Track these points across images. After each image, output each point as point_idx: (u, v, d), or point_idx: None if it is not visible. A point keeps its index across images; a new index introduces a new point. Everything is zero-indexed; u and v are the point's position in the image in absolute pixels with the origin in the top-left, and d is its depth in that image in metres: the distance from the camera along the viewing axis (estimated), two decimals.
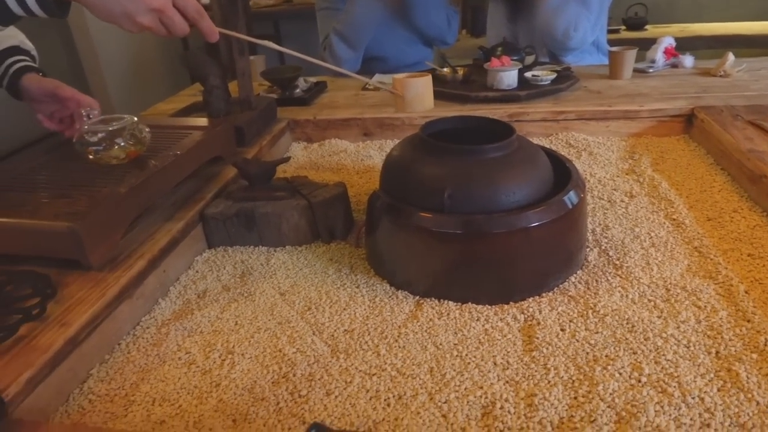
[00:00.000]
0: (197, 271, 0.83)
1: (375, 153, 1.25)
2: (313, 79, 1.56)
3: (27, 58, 1.05)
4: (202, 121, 1.08)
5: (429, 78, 0.89)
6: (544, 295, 0.71)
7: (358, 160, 1.22)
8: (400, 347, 0.64)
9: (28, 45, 1.08)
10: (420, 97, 0.89)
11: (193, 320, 0.71)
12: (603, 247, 0.81)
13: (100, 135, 0.85)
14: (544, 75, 1.36)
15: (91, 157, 0.86)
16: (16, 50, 1.05)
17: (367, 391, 0.58)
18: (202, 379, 0.61)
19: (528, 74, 1.37)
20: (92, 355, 0.63)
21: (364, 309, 0.71)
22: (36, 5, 0.65)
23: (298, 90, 1.47)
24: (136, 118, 0.89)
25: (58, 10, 0.67)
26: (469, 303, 0.70)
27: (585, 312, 0.67)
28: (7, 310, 0.62)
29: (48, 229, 0.68)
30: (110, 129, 0.86)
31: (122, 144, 0.86)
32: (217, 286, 0.79)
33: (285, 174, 1.08)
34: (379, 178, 1.10)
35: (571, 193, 0.72)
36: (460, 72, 1.45)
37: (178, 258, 0.82)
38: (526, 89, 1.32)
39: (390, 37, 1.83)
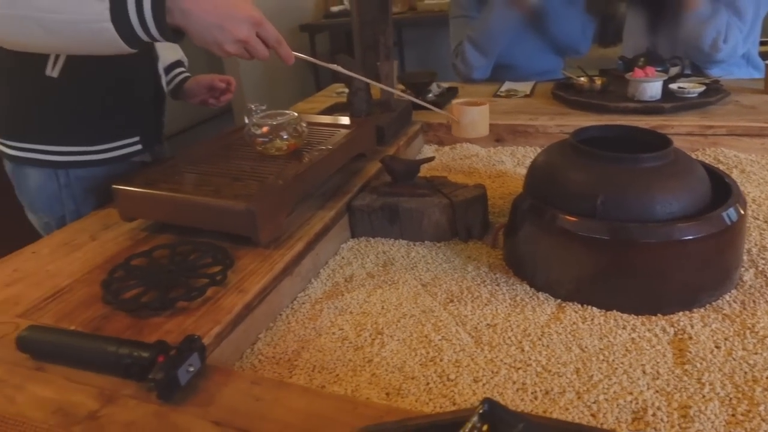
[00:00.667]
0: (343, 257, 0.90)
1: (507, 158, 1.26)
2: (445, 85, 1.60)
3: (185, 69, 1.33)
4: (348, 120, 1.16)
5: (485, 107, 0.93)
6: (695, 310, 0.69)
7: (490, 165, 1.24)
8: (544, 346, 0.65)
9: (182, 53, 1.34)
10: (474, 123, 0.96)
11: (343, 301, 0.77)
12: (760, 269, 0.77)
13: (266, 128, 0.94)
14: (692, 87, 1.30)
15: (258, 147, 0.95)
16: (179, 63, 1.31)
17: (514, 382, 0.60)
18: (355, 354, 0.67)
19: (673, 86, 1.32)
20: (261, 321, 0.71)
21: (506, 306, 0.73)
22: (157, 32, 0.74)
23: (431, 94, 1.52)
24: (296, 114, 0.97)
25: (173, 36, 0.76)
26: (614, 311, 0.70)
27: (742, 332, 0.65)
28: (196, 274, 0.72)
29: (229, 207, 0.77)
30: (275, 123, 0.95)
31: (285, 137, 0.95)
32: (362, 273, 0.85)
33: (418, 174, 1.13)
34: (511, 182, 1.12)
35: (731, 209, 0.70)
36: (598, 81, 1.42)
37: (327, 243, 0.89)
38: (671, 101, 1.27)
39: (521, 46, 1.83)
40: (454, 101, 0.95)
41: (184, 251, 0.77)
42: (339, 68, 1.01)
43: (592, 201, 0.69)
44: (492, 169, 1.21)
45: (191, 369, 0.53)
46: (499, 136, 1.33)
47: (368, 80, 1.07)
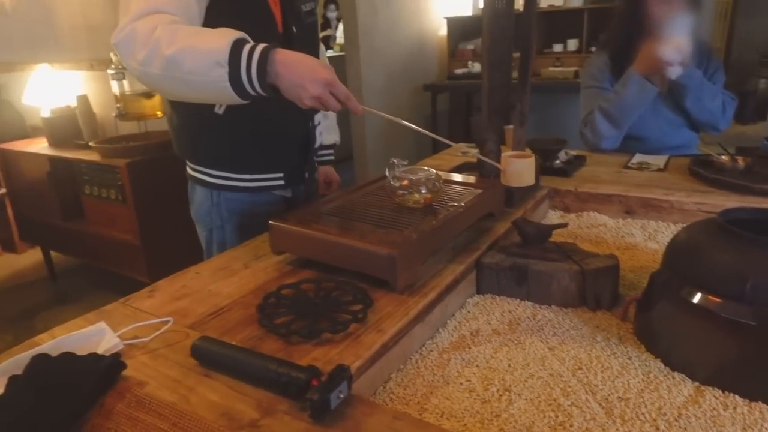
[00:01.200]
0: (469, 311, 0.93)
1: (637, 231, 1.24)
2: (573, 152, 1.61)
3: (333, 153, 1.58)
4: (479, 180, 1.21)
5: (530, 160, 1.02)
6: None
7: (619, 237, 1.22)
8: (680, 428, 0.63)
9: (337, 137, 1.57)
10: (519, 174, 1.04)
11: (470, 353, 0.80)
12: None
13: (406, 181, 1.02)
14: None
15: (397, 198, 1.03)
16: (332, 147, 1.55)
17: None
18: (482, 407, 0.69)
19: None
20: (394, 362, 0.76)
21: (638, 381, 0.72)
22: (260, 90, 0.94)
23: (558, 161, 1.54)
24: (435, 171, 1.04)
25: (271, 92, 0.96)
26: (760, 402, 0.66)
27: None
28: (339, 309, 0.78)
29: (373, 252, 0.83)
30: (415, 178, 1.02)
31: (423, 191, 1.01)
32: (488, 329, 0.87)
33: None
34: (642, 256, 1.10)
35: None
36: (741, 161, 1.37)
37: (455, 296, 0.92)
38: None
39: (654, 119, 1.80)
40: (504, 153, 1.08)
41: (327, 287, 0.85)
42: (407, 123, 1.12)
43: (740, 284, 0.68)
44: (621, 241, 1.20)
45: (341, 395, 0.58)
46: (629, 208, 1.31)
47: (445, 140, 1.12)
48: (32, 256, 3.47)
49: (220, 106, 1.17)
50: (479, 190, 1.12)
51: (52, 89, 3.00)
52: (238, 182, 1.27)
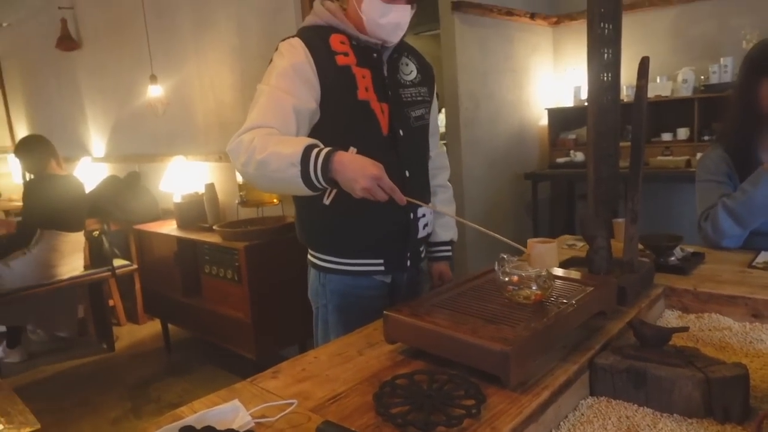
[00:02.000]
0: (583, 414, 0.90)
1: (767, 338, 1.15)
2: (690, 249, 1.55)
3: (450, 250, 1.62)
4: (589, 277, 1.20)
5: (553, 245, 1.09)
6: None
7: (746, 342, 1.14)
8: None
9: (454, 233, 1.62)
10: (541, 257, 1.10)
11: None
12: None
13: (517, 278, 1.04)
14: None
15: (507, 294, 1.05)
16: (448, 243, 1.60)
17: None
18: None
19: None
20: None
21: None
22: (325, 185, 1.12)
23: (673, 258, 1.49)
24: (545, 269, 1.05)
25: (334, 185, 1.13)
26: None
27: None
28: (452, 403, 0.80)
29: (486, 347, 0.85)
30: (524, 274, 1.04)
31: (534, 288, 1.03)
32: None
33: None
34: None
35: None
36: None
37: (568, 397, 0.91)
38: None
39: None
40: (530, 239, 1.14)
41: (441, 380, 0.87)
42: (436, 208, 1.35)
43: None
44: (749, 347, 1.12)
45: None
46: (757, 311, 1.23)
47: (489, 232, 1.12)
48: (152, 327, 3.77)
49: (328, 197, 1.31)
50: (590, 288, 1.11)
51: (184, 178, 3.37)
52: (341, 266, 1.39)
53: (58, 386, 3.10)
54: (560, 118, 4.46)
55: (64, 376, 3.23)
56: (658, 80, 3.92)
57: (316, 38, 1.30)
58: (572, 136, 4.46)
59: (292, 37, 1.32)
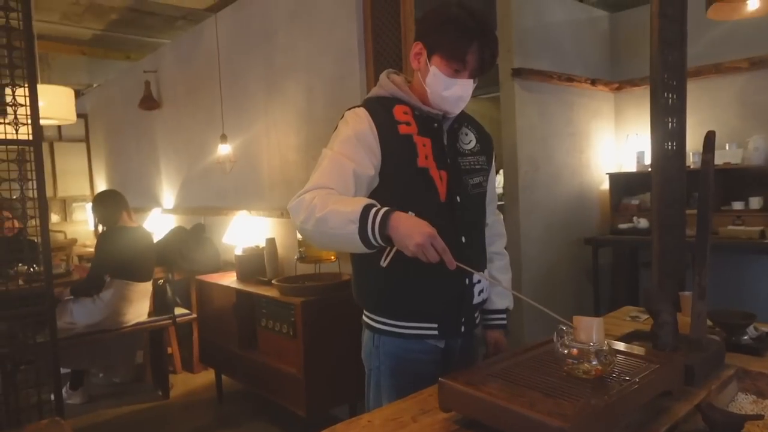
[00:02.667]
0: None
1: None
2: (765, 328, 1.46)
3: (505, 318, 1.60)
4: (654, 354, 1.15)
5: (599, 320, 1.04)
6: None
7: None
8: None
9: (510, 302, 1.60)
10: (588, 333, 1.04)
11: None
12: None
13: (576, 350, 1.01)
14: None
15: (566, 367, 1.02)
16: (503, 311, 1.60)
17: None
18: None
19: None
20: None
21: None
22: (381, 242, 1.15)
23: (746, 337, 1.41)
24: (606, 342, 1.02)
25: (389, 243, 1.16)
26: None
27: None
28: None
29: (543, 422, 0.83)
30: (586, 348, 1.01)
31: (594, 362, 1.00)
32: None
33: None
34: None
35: None
36: None
37: None
38: None
39: None
40: (576, 315, 1.09)
41: None
42: (485, 276, 1.32)
43: None
44: None
45: None
46: None
47: (565, 321, 1.10)
48: (206, 377, 3.83)
49: (385, 259, 1.29)
50: (655, 365, 1.06)
51: (246, 231, 3.50)
52: (395, 328, 1.39)
53: (115, 430, 3.18)
54: (622, 183, 4.37)
55: (120, 420, 3.30)
56: (726, 147, 3.80)
57: (380, 108, 1.37)
58: (635, 201, 4.35)
59: (358, 107, 1.39)
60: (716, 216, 3.82)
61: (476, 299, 1.44)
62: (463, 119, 1.50)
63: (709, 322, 1.51)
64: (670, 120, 1.33)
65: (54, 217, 7.38)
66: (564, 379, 1.00)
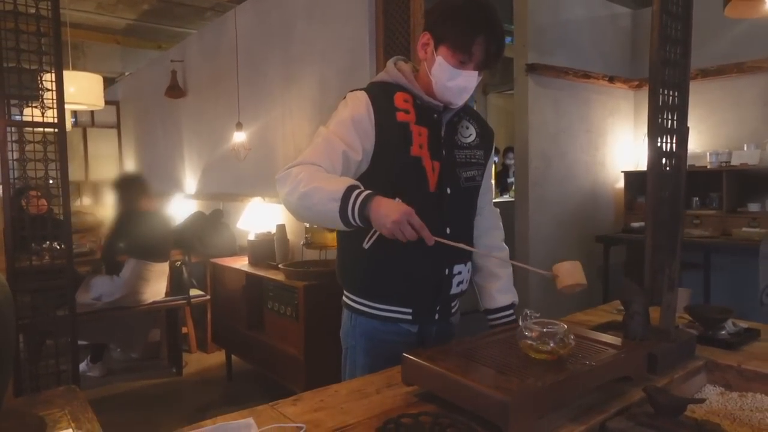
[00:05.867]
0: None
1: None
2: (743, 324, 1.48)
3: (512, 313, 1.58)
4: (618, 341, 1.19)
5: (576, 262, 1.17)
6: None
7: None
8: None
9: (515, 297, 1.60)
10: (570, 274, 1.19)
11: None
12: None
13: (536, 333, 1.06)
14: None
15: (526, 348, 1.07)
16: (510, 307, 1.58)
17: None
18: None
19: None
20: None
21: None
22: (359, 222, 1.20)
23: (724, 332, 1.43)
24: (565, 326, 1.07)
25: (367, 224, 1.21)
26: None
27: None
28: None
29: (487, 395, 0.88)
30: (545, 330, 1.06)
31: (552, 345, 1.04)
32: None
33: (694, 414, 1.06)
34: None
35: None
36: None
37: None
38: None
39: None
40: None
41: (443, 423, 0.90)
42: (466, 247, 1.32)
43: None
44: None
45: None
46: None
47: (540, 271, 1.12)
48: (218, 357, 3.96)
49: (368, 240, 1.34)
50: (616, 351, 1.10)
51: (260, 217, 3.60)
52: (371, 309, 1.43)
53: (128, 403, 3.32)
54: (638, 182, 4.34)
55: (134, 394, 3.45)
56: (745, 148, 3.75)
57: (381, 94, 1.39)
58: None
59: (360, 90, 1.40)
60: (731, 217, 3.77)
61: (454, 290, 1.45)
62: (465, 113, 1.50)
63: (689, 318, 1.54)
64: (668, 117, 1.33)
65: (86, 200, 7.65)
66: (524, 359, 1.05)
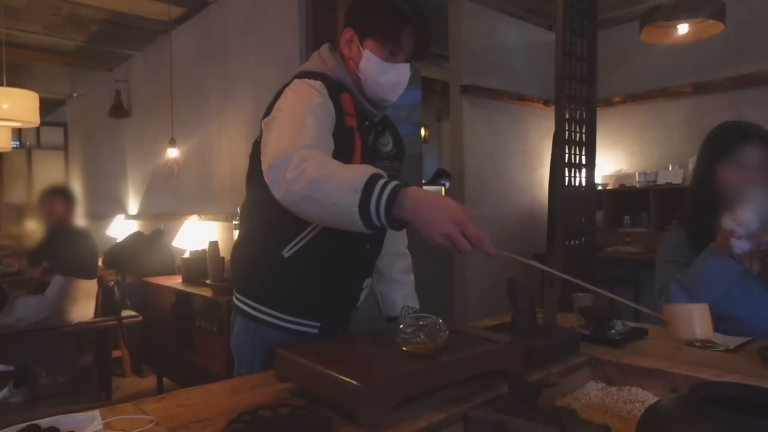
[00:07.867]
0: None
1: None
2: (632, 324, 1.53)
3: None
4: (498, 337, 1.21)
5: (703, 306, 0.97)
6: None
7: None
8: None
9: (416, 304, 1.55)
10: (689, 322, 1.01)
11: None
12: None
13: (409, 327, 1.07)
14: None
15: (398, 341, 1.08)
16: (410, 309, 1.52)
17: None
18: None
19: None
20: None
21: None
22: (385, 222, 0.98)
23: (613, 331, 1.47)
24: (439, 320, 1.09)
25: (398, 226, 1.00)
26: None
27: None
28: None
29: (341, 383, 0.89)
30: (416, 324, 1.07)
31: (421, 338, 1.06)
32: None
33: (572, 406, 1.09)
34: None
35: None
36: None
37: None
38: None
39: (745, 299, 1.66)
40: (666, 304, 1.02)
41: (300, 414, 0.90)
42: (538, 264, 1.13)
43: None
44: None
45: None
46: (674, 386, 1.20)
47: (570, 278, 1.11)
48: (152, 381, 3.83)
49: (290, 249, 1.26)
50: (490, 345, 1.13)
51: (195, 236, 3.56)
52: (278, 321, 1.31)
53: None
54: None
55: None
56: (670, 168, 3.93)
57: (333, 92, 1.24)
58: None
59: (314, 79, 1.23)
60: (659, 234, 3.91)
61: (359, 302, 1.44)
62: (387, 121, 1.45)
63: (580, 318, 1.58)
64: (574, 130, 1.40)
65: (30, 224, 7.39)
66: (398, 354, 1.06)
